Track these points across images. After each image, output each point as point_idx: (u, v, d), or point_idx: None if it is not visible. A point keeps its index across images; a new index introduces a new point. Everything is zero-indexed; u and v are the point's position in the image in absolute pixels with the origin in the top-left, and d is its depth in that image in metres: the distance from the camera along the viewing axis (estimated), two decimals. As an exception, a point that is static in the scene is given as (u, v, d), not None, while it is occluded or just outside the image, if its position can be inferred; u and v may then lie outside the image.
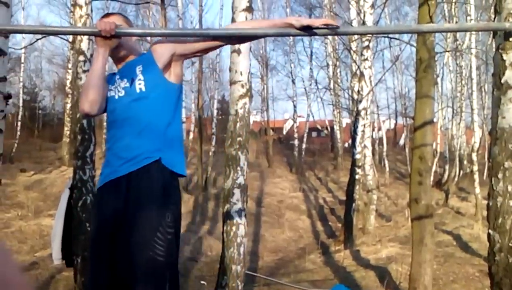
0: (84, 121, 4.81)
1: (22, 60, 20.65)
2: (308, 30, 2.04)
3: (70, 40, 9.92)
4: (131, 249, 1.87)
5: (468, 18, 13.38)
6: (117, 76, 2.12)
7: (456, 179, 17.22)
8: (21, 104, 20.54)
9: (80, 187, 4.70)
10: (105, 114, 2.17)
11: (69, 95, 16.50)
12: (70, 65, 17.08)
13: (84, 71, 4.88)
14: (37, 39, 10.94)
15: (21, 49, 17.82)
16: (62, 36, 11.87)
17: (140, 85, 2.03)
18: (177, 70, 2.13)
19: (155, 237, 1.87)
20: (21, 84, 21.05)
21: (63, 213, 4.11)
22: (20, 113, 20.28)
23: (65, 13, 21.24)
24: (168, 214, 1.93)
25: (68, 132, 16.81)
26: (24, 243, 8.08)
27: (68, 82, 17.62)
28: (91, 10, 5.09)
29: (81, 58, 4.92)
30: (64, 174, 14.40)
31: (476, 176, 12.67)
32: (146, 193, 1.93)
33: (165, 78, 2.08)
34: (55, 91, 29.72)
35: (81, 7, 4.90)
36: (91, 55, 5.24)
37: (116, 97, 2.07)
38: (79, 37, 4.92)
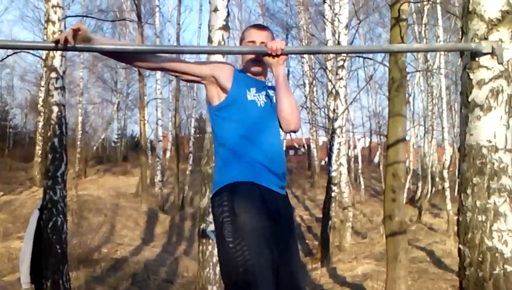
0: (55, 140, 4.73)
1: (-7, 78, 20.22)
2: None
3: (43, 57, 9.78)
4: (294, 269, 2.10)
5: (438, 40, 13.81)
6: (254, 87, 2.20)
7: (428, 195, 17.52)
8: (-9, 123, 20.05)
9: (51, 207, 4.58)
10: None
11: (41, 113, 16.18)
12: (42, 83, 16.79)
13: (56, 88, 4.82)
14: (8, 55, 10.74)
15: (-9, 65, 17.47)
16: (35, 53, 11.69)
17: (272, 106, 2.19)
18: None
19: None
20: (-8, 102, 20.61)
21: (32, 235, 4.00)
22: (-10, 132, 19.78)
23: (39, 29, 21.01)
24: None
25: (40, 152, 16.43)
26: (-8, 266, 7.80)
27: (40, 100, 17.29)
28: (65, 27, 5.05)
29: (53, 75, 4.86)
30: (35, 195, 14.03)
31: (447, 193, 12.92)
32: (292, 222, 2.24)
33: None
34: (27, 109, 29.14)
35: (54, 23, 4.86)
36: (64, 72, 5.18)
37: (259, 105, 2.18)
38: (51, 54, 4.86)
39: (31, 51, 10.41)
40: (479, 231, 2.36)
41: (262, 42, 2.19)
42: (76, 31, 1.87)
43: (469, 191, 2.38)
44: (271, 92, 2.23)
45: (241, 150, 2.09)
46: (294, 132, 2.29)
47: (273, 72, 2.17)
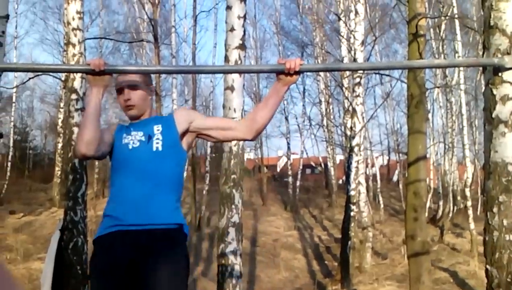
0: (76, 161, 4.77)
1: (14, 100, 20.63)
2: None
3: (63, 78, 9.98)
4: None
5: (456, 55, 13.70)
6: (132, 128, 2.16)
7: (450, 215, 17.16)
8: (11, 144, 20.42)
9: (71, 228, 4.61)
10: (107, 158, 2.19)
11: (61, 135, 16.45)
12: (62, 104, 17.10)
13: (77, 110, 4.88)
14: (30, 78, 10.99)
15: (13, 88, 17.88)
16: (55, 75, 11.97)
17: (157, 144, 2.09)
18: (189, 140, 2.23)
19: None
20: (12, 123, 21.00)
21: (54, 256, 4.01)
22: (11, 153, 20.12)
23: (58, 52, 21.42)
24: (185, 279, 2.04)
25: (59, 173, 16.65)
26: (12, 287, 7.83)
27: (60, 121, 17.59)
28: (84, 49, 5.14)
29: (74, 96, 4.94)
30: (54, 216, 14.16)
31: (470, 212, 12.63)
32: (167, 257, 1.98)
33: (180, 143, 2.17)
34: (47, 131, 29.62)
35: (74, 45, 4.96)
36: (84, 94, 5.26)
37: (130, 147, 2.10)
38: (71, 76, 4.94)
39: (51, 74, 10.66)
40: (507, 251, 2.29)
41: (129, 85, 2.17)
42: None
43: (495, 209, 2.32)
44: (155, 128, 2.14)
45: (110, 201, 2.11)
46: (251, 140, 2.25)
47: (277, 86, 2.13)
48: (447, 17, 12.57)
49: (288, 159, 24.23)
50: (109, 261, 1.97)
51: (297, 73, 2.09)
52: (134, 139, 2.11)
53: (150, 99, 2.27)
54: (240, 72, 4.13)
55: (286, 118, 22.79)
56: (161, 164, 2.07)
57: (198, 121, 2.21)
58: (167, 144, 2.10)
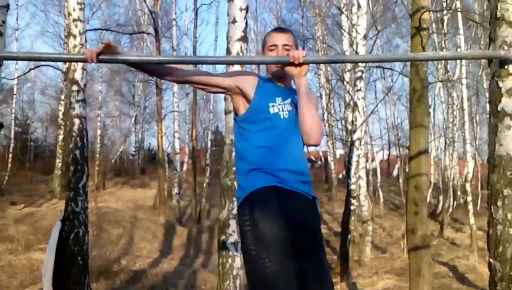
0: (77, 152, 4.76)
1: (15, 92, 20.61)
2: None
3: (64, 70, 9.94)
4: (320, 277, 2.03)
5: (459, 49, 13.64)
6: (279, 96, 2.17)
7: (450, 209, 17.18)
8: (12, 136, 20.42)
9: (72, 219, 4.61)
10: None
11: (62, 127, 16.44)
12: (63, 97, 17.08)
13: (78, 101, 4.87)
14: (31, 69, 10.93)
15: (14, 79, 17.83)
16: (56, 66, 11.92)
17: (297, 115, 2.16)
18: None
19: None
20: (13, 115, 20.98)
21: (55, 247, 4.01)
22: (12, 145, 20.13)
23: (59, 44, 21.40)
24: None
25: (60, 164, 16.65)
26: (14, 277, 7.85)
27: (60, 113, 17.58)
28: (85, 40, 5.12)
29: (75, 87, 4.92)
30: (55, 207, 14.18)
31: (470, 207, 12.64)
32: (318, 224, 2.17)
33: None
34: (47, 123, 29.61)
35: (75, 36, 4.93)
36: (85, 85, 5.24)
37: (282, 117, 2.13)
38: (72, 67, 4.92)
39: (52, 64, 10.62)
40: (511, 245, 2.28)
41: (285, 45, 2.17)
42: (106, 47, 2.03)
43: (499, 203, 2.31)
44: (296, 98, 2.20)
45: (262, 160, 2.08)
46: (315, 146, 2.25)
47: (295, 83, 2.14)
48: (450, 11, 12.49)
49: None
50: (279, 214, 2.00)
51: (303, 64, 2.08)
52: (283, 106, 2.15)
53: None
54: (242, 63, 4.10)
55: (287, 112, 22.68)
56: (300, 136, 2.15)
57: None
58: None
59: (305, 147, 2.24)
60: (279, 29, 2.32)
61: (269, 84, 2.22)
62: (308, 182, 2.14)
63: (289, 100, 2.18)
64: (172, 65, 2.18)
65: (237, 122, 2.20)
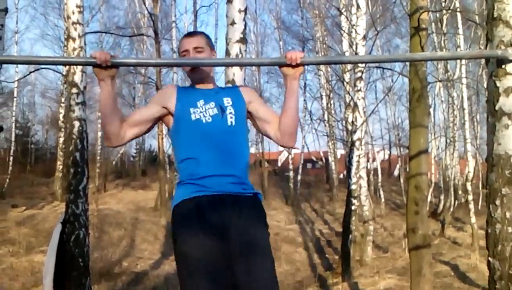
0: (77, 154, 4.77)
1: (15, 94, 20.64)
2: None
3: (64, 73, 9.97)
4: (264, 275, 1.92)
5: (458, 49, 13.65)
6: (200, 97, 2.11)
7: (451, 209, 17.17)
8: (13, 139, 20.45)
9: (73, 221, 4.62)
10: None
11: (62, 129, 16.47)
12: (63, 99, 17.11)
13: (77, 104, 4.88)
14: (30, 72, 10.98)
15: (13, 82, 17.87)
16: (56, 69, 11.96)
17: (231, 119, 2.07)
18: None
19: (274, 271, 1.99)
20: (14, 118, 21.01)
21: (55, 249, 4.02)
22: (12, 148, 20.16)
23: (59, 47, 21.42)
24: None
25: (60, 167, 16.68)
26: (15, 280, 7.88)
27: (61, 116, 17.62)
28: (85, 43, 5.13)
29: (74, 90, 4.93)
30: (56, 209, 14.21)
31: (471, 206, 12.63)
32: (256, 219, 2.07)
33: (246, 120, 2.16)
34: (48, 126, 29.64)
35: (74, 39, 4.95)
36: (84, 88, 5.25)
37: (204, 121, 2.05)
38: (72, 70, 4.93)
39: (51, 66, 10.64)
40: (510, 243, 2.30)
41: (196, 48, 2.13)
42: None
43: (498, 202, 2.32)
44: (225, 100, 2.12)
45: (186, 172, 2.04)
46: (291, 148, 2.24)
47: (287, 84, 2.10)
48: (449, 11, 12.50)
49: (289, 153, 24.23)
50: (201, 222, 1.94)
51: (300, 65, 2.08)
52: (205, 112, 2.07)
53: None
54: (241, 65, 4.11)
55: (287, 113, 22.67)
56: (237, 139, 2.08)
57: (255, 105, 2.17)
58: (239, 119, 2.09)
59: (281, 147, 2.20)
60: (188, 34, 2.25)
61: (189, 90, 2.17)
62: (241, 182, 2.04)
63: (212, 103, 2.09)
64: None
65: (170, 137, 2.18)
